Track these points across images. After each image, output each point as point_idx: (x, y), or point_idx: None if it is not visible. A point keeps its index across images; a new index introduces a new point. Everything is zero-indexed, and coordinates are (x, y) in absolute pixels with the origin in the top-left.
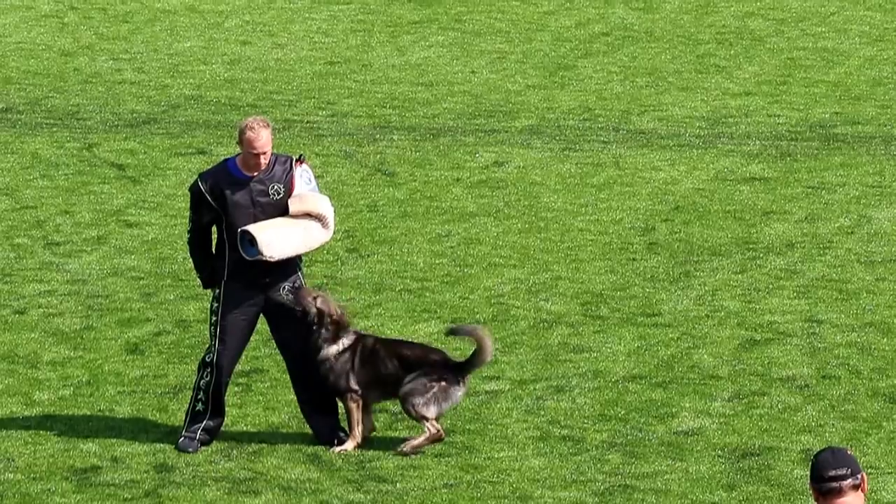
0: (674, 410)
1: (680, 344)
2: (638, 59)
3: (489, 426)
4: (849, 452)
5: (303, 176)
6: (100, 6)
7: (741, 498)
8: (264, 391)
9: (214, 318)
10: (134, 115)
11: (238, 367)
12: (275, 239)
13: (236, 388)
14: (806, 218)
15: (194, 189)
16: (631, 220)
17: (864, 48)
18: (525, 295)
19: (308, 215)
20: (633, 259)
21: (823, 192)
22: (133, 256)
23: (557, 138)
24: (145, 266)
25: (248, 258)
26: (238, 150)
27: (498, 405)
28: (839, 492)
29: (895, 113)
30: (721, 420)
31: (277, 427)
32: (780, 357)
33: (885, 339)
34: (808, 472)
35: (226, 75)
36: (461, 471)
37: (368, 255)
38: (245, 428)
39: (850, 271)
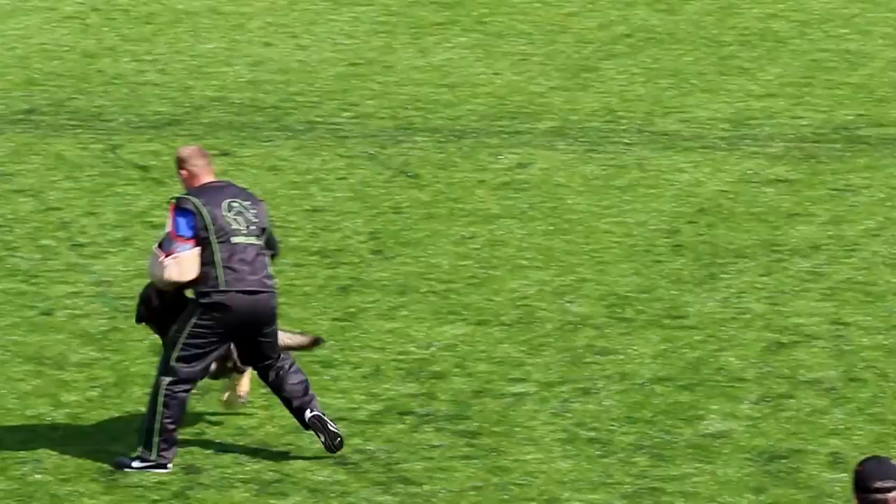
0: (701, 413)
1: (706, 346)
2: (661, 61)
3: (516, 428)
4: (893, 462)
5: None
6: (122, 7)
7: (769, 501)
8: None
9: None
10: (157, 116)
11: None
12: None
13: (263, 390)
14: (831, 220)
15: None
16: (655, 222)
17: (887, 50)
18: (550, 297)
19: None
20: (659, 261)
21: (848, 194)
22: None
23: (581, 140)
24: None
25: None
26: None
27: (524, 407)
28: (884, 503)
29: None
30: (748, 423)
31: (303, 429)
32: (806, 360)
33: None
34: (853, 481)
35: (249, 77)
36: (488, 473)
37: (393, 257)
38: (272, 430)
39: (877, 273)
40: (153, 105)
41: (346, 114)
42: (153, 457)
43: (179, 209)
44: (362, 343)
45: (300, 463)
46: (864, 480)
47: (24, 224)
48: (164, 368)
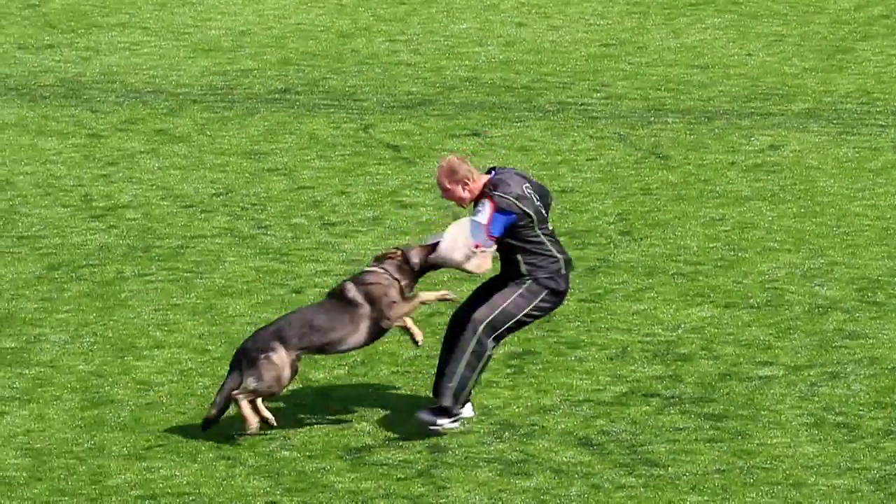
0: None
1: None
2: None
3: (762, 412)
4: None
5: (477, 206)
6: None
7: None
8: (536, 373)
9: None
10: (409, 96)
11: (509, 349)
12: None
13: (508, 370)
14: None
15: None
16: None
17: None
18: (800, 280)
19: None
20: None
21: None
22: (407, 237)
23: (835, 122)
24: None
25: None
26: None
27: (771, 391)
28: None
29: None
30: None
31: (549, 409)
32: None
33: None
34: None
35: (501, 57)
36: (734, 456)
37: (641, 239)
38: (517, 410)
39: None
40: (405, 85)
41: (596, 94)
42: (456, 411)
43: (501, 209)
44: (608, 324)
45: (544, 443)
46: None
47: (277, 203)
48: (492, 333)
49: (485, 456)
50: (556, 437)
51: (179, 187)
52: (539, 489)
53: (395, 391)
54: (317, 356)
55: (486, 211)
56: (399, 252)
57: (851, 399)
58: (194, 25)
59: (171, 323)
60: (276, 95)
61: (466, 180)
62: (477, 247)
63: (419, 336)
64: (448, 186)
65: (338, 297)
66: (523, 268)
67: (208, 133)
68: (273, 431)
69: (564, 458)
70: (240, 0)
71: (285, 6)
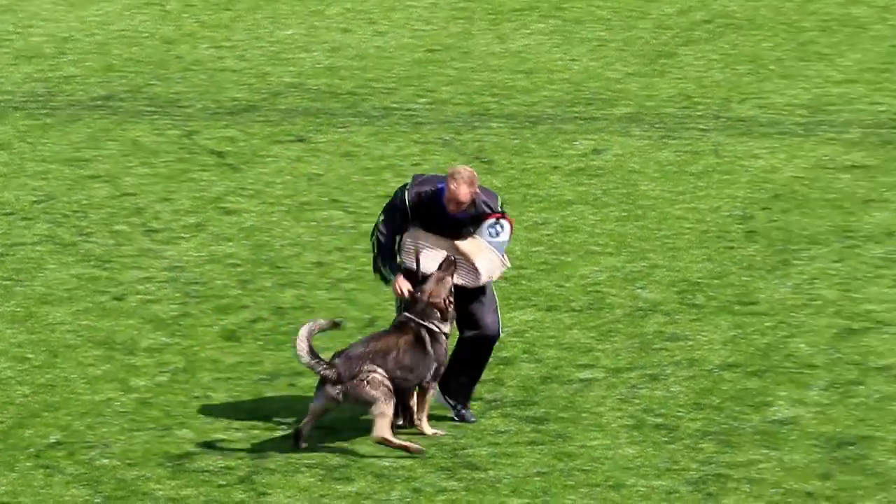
0: (769, 399)
1: (776, 332)
2: (739, 47)
3: (583, 414)
4: None
5: (493, 226)
6: None
7: (836, 487)
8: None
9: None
10: (234, 102)
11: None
12: (428, 257)
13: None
14: None
15: (398, 198)
16: (729, 208)
17: None
18: (621, 283)
19: (465, 257)
20: (731, 247)
21: None
22: (231, 244)
23: (656, 126)
24: (243, 253)
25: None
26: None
27: (592, 393)
28: None
29: None
30: (816, 409)
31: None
32: (877, 346)
33: None
34: None
35: (326, 63)
36: (554, 458)
37: None
38: (338, 415)
39: None
40: (230, 91)
41: (421, 100)
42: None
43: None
44: None
45: (366, 448)
46: None
47: (99, 210)
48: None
49: (306, 461)
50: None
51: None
52: (360, 494)
53: (216, 397)
54: None
55: (507, 230)
56: (447, 300)
57: (670, 401)
58: (16, 32)
59: None
60: (99, 102)
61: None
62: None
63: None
64: (469, 198)
65: (417, 339)
66: None
67: (29, 140)
68: (92, 439)
69: (386, 463)
70: (62, 6)
71: (108, 13)
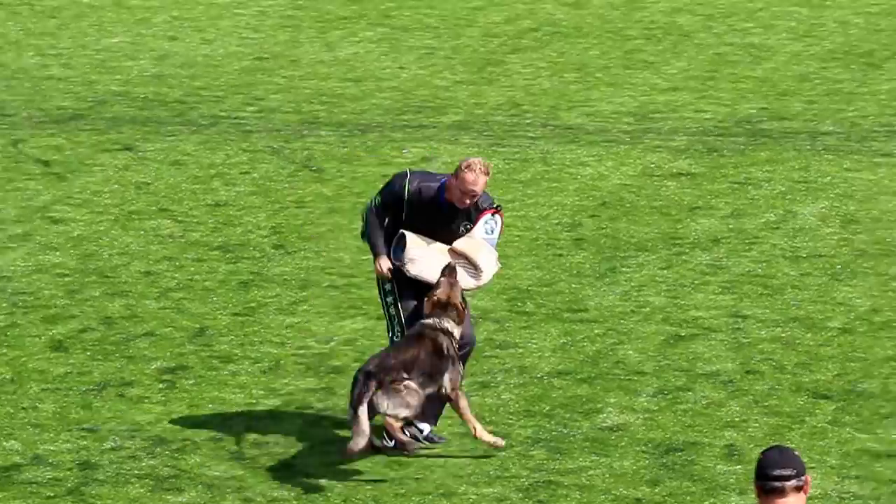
0: (598, 406)
1: (605, 340)
2: (566, 55)
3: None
4: (795, 453)
5: (487, 223)
6: (27, 2)
7: (665, 493)
8: (189, 388)
9: (392, 298)
10: (60, 111)
11: (162, 364)
12: (423, 260)
13: (160, 385)
14: (732, 213)
15: (398, 184)
16: (558, 215)
17: (790, 44)
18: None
19: (466, 258)
20: (560, 255)
21: (749, 187)
22: (58, 253)
23: (485, 134)
24: (70, 263)
25: (391, 256)
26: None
27: None
28: (782, 492)
29: (821, 108)
30: (645, 415)
31: (201, 424)
32: (704, 352)
33: (808, 334)
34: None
35: (153, 71)
36: (385, 467)
37: (295, 252)
38: (169, 425)
39: (776, 266)
40: (56, 99)
41: (250, 108)
42: None
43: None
44: (262, 338)
45: (196, 458)
46: (764, 468)
47: None
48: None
49: (136, 472)
50: (209, 451)
51: None
52: None
53: (44, 408)
54: None
55: (499, 227)
56: (462, 305)
57: (501, 408)
58: None
59: None
60: None
61: None
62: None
63: None
64: (484, 188)
65: (435, 347)
66: None
67: None
68: None
69: (217, 473)
70: None
71: None
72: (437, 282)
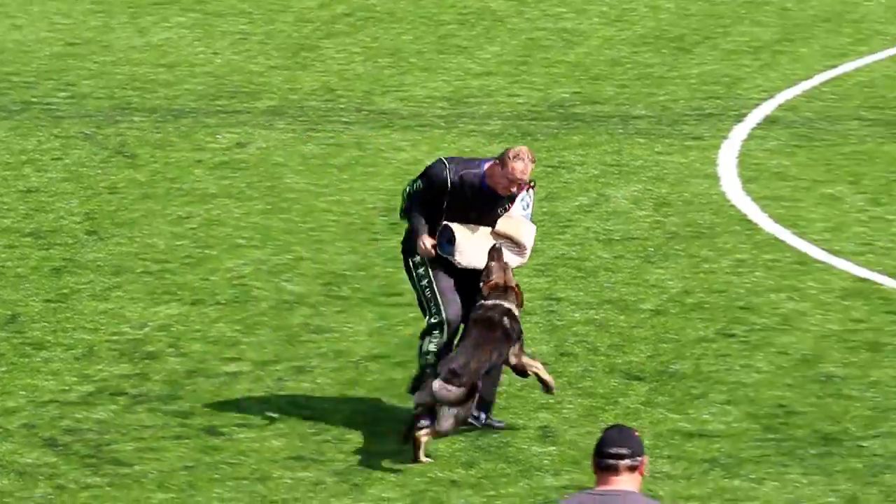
0: None
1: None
2: (380, 40)
3: (229, 407)
4: (635, 434)
5: (523, 199)
6: None
7: (480, 475)
8: (0, 375)
9: (426, 281)
10: None
11: None
12: (471, 249)
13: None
14: (546, 197)
15: (440, 175)
16: (373, 200)
17: (602, 28)
18: (266, 276)
19: (509, 238)
20: (376, 239)
21: (563, 171)
22: None
23: (300, 119)
24: None
25: (439, 251)
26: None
27: (239, 386)
28: (615, 469)
29: (633, 92)
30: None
31: (13, 411)
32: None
33: (622, 317)
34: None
35: None
36: (200, 452)
37: (108, 238)
38: None
39: (589, 249)
40: None
41: (62, 94)
42: None
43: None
44: (75, 324)
45: (8, 445)
46: (601, 445)
47: None
48: None
49: None
50: (21, 439)
51: None
52: (3, 492)
53: None
54: None
55: (533, 200)
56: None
57: (317, 392)
58: None
59: None
60: None
61: None
62: None
63: None
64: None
65: (504, 331)
66: None
67: None
68: None
69: (29, 460)
70: None
71: None
72: (488, 267)
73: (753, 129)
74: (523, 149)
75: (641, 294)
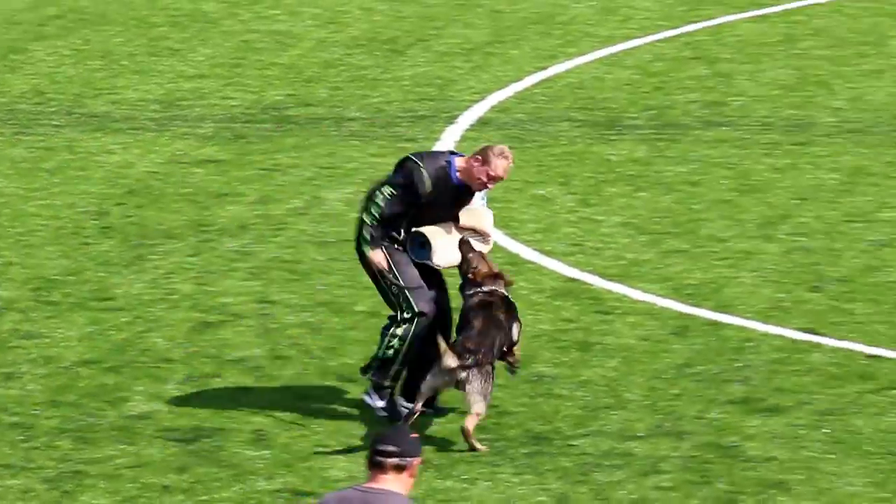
0: (126, 395)
1: (133, 328)
2: (91, 42)
3: None
4: (412, 436)
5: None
6: None
7: (192, 480)
8: None
9: (392, 276)
10: None
11: None
12: (443, 248)
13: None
14: (259, 199)
15: (416, 174)
16: (84, 204)
17: (315, 30)
18: None
19: (473, 230)
20: (87, 243)
21: (277, 173)
22: None
23: (10, 122)
24: None
25: (413, 258)
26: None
27: None
28: (382, 467)
29: (347, 95)
30: (174, 403)
31: None
32: (233, 339)
33: (336, 319)
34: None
35: None
36: None
37: None
38: None
39: (303, 252)
40: None
41: None
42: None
43: None
44: None
45: None
46: (374, 443)
47: None
48: None
49: None
50: None
51: None
52: None
53: None
54: None
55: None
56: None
57: (26, 399)
58: None
59: None
60: None
61: None
62: None
63: None
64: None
65: (507, 306)
66: None
67: None
68: None
69: None
70: None
71: None
72: (467, 259)
73: (466, 130)
74: (505, 147)
75: (355, 296)
